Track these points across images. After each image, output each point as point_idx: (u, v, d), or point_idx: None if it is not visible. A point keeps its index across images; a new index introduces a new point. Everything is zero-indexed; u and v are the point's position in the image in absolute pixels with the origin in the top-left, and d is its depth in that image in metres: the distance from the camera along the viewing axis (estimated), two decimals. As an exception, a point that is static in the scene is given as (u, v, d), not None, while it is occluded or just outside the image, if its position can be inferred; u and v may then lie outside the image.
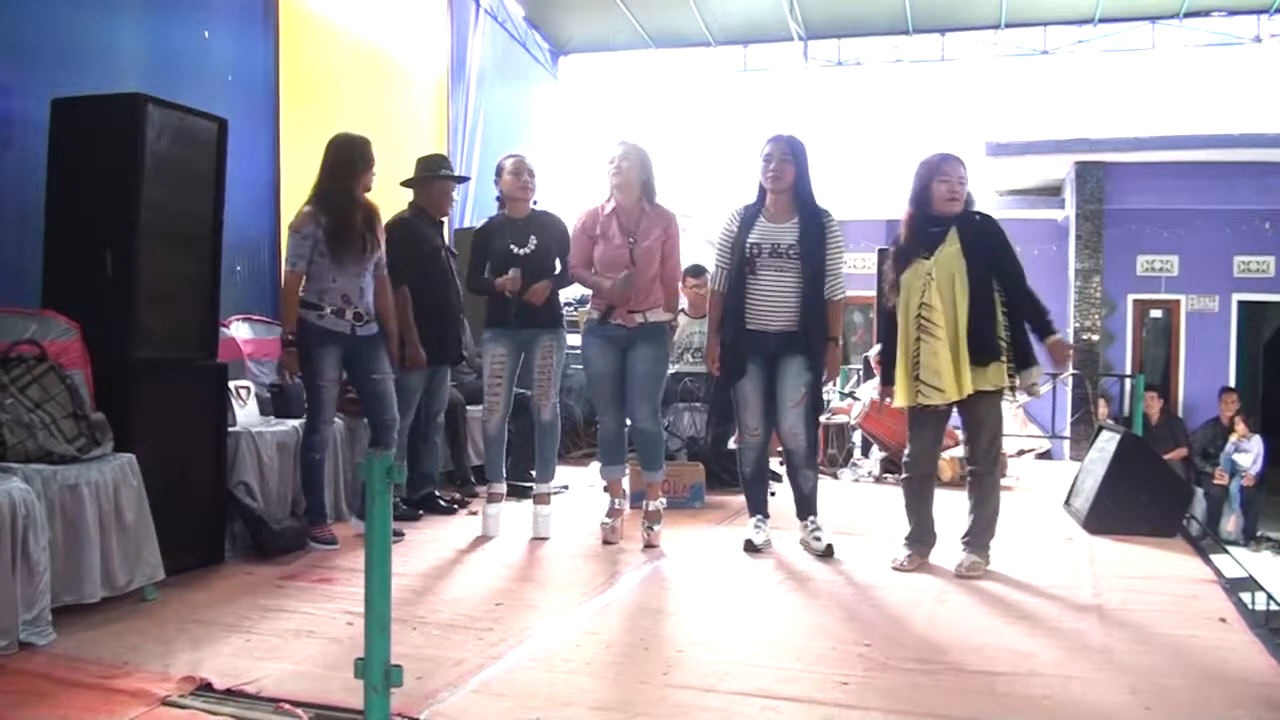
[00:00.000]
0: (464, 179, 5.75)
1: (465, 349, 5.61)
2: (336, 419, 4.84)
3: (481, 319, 4.95)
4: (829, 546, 4.40)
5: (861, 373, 8.12)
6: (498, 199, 4.92)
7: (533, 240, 4.73)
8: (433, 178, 5.23)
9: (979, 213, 4.25)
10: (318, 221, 4.34)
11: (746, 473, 4.62)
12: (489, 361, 4.82)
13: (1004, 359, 4.07)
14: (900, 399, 4.22)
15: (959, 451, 6.06)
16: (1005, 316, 4.10)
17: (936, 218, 4.15)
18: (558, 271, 4.81)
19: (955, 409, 4.25)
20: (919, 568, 4.22)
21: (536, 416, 4.82)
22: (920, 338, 4.11)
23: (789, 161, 4.34)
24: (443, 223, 5.43)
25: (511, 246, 4.73)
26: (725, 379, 4.49)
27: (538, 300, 4.67)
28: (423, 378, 5.10)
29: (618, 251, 4.51)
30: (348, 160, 4.41)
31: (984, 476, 4.20)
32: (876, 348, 6.93)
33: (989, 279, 4.09)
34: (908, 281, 4.16)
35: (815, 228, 4.34)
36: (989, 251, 4.11)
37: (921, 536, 4.32)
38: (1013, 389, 4.13)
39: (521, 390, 5.01)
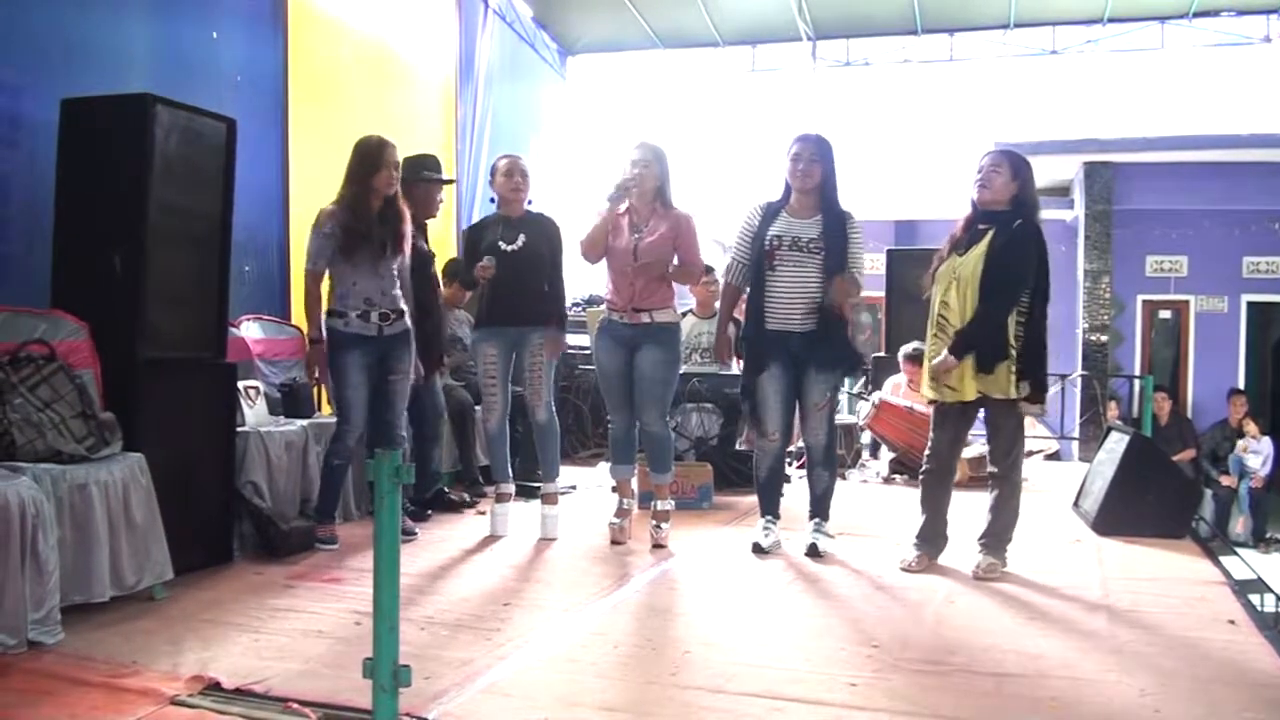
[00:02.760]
0: (449, 181, 5.67)
1: (445, 351, 5.60)
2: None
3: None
4: (812, 545, 4.40)
5: (870, 374, 8.09)
6: (492, 200, 4.92)
7: (521, 238, 4.72)
8: (417, 180, 5.20)
9: (1022, 219, 4.09)
10: (337, 220, 4.37)
11: (761, 474, 4.60)
12: (481, 362, 4.84)
13: (1012, 368, 4.02)
14: (927, 392, 4.26)
15: (970, 452, 6.06)
16: (1022, 328, 4.05)
17: (985, 213, 4.13)
18: (549, 275, 4.77)
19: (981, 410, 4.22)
20: (927, 568, 4.21)
21: (532, 417, 4.83)
22: (936, 334, 4.14)
23: (818, 162, 4.35)
24: (425, 225, 5.40)
25: (499, 243, 4.72)
26: (749, 374, 4.50)
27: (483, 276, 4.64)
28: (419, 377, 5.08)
29: (624, 245, 4.51)
30: (358, 164, 4.41)
31: (1002, 480, 4.20)
32: (910, 345, 6.95)
33: (1009, 285, 4.02)
34: (941, 276, 4.15)
35: (837, 225, 4.34)
36: (1011, 259, 4.02)
37: (932, 536, 4.30)
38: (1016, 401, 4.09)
39: (519, 389, 5.00)
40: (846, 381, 8.76)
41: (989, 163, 4.14)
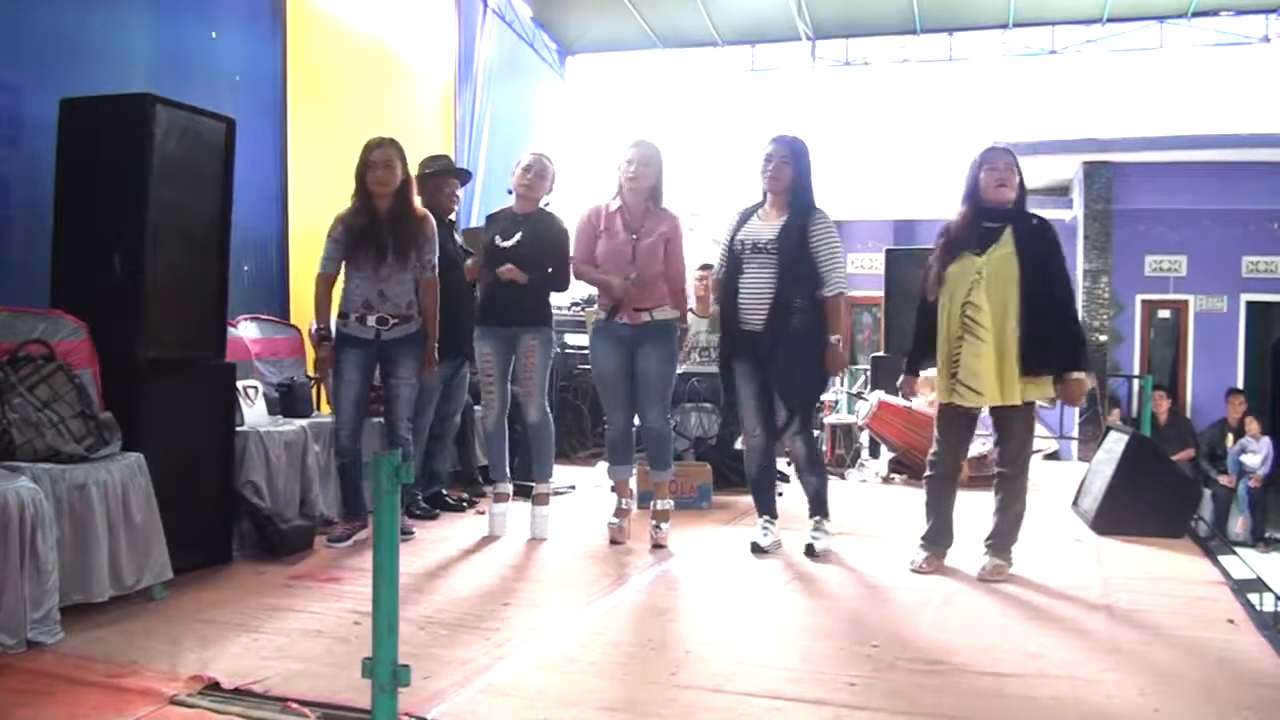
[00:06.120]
0: (459, 171, 5.66)
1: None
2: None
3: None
4: (809, 546, 4.39)
5: (869, 374, 8.10)
6: (509, 191, 4.92)
7: (518, 235, 4.71)
8: (421, 176, 5.20)
9: (1036, 216, 4.11)
10: (344, 223, 4.40)
11: (751, 474, 4.60)
12: (479, 360, 4.85)
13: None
14: (939, 396, 4.18)
15: (970, 451, 6.02)
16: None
17: (991, 211, 4.06)
18: (549, 271, 4.75)
19: (988, 410, 4.17)
20: (936, 569, 4.20)
21: (525, 417, 4.83)
22: (964, 337, 4.02)
23: (788, 163, 4.33)
24: (452, 222, 5.42)
25: (497, 239, 4.73)
26: (723, 374, 4.54)
27: (510, 277, 4.61)
28: (442, 377, 5.10)
29: (620, 248, 4.51)
30: (357, 167, 4.43)
31: (1011, 480, 4.15)
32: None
33: (1048, 286, 3.98)
34: (954, 275, 4.06)
35: (797, 224, 4.30)
36: (1040, 256, 3.99)
37: (939, 537, 4.27)
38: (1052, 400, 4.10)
39: (518, 389, 5.00)
40: (847, 381, 8.80)
41: (1005, 163, 4.04)
